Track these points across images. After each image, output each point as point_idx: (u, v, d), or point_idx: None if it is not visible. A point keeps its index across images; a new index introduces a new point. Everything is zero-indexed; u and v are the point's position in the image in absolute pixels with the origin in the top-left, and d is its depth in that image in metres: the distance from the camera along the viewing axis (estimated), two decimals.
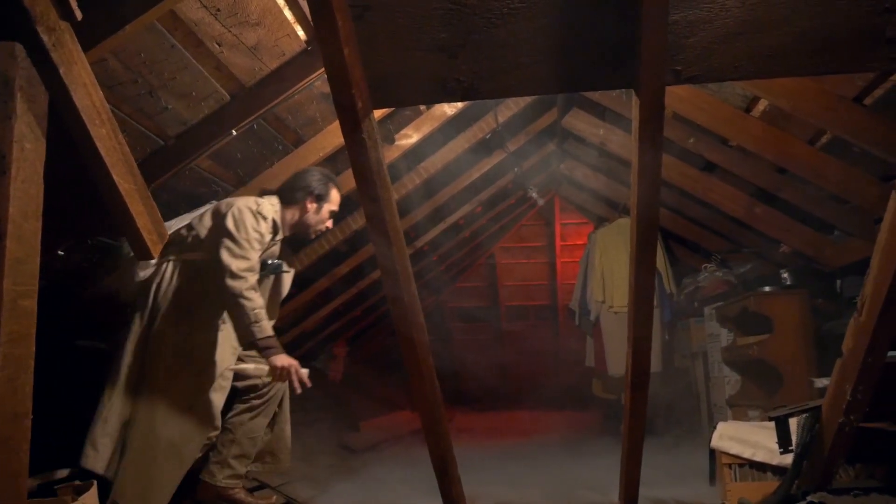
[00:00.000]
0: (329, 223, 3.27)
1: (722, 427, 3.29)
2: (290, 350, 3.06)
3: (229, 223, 2.83)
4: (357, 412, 6.87)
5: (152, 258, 2.09)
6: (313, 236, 3.32)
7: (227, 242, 2.79)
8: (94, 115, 1.74)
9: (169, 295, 2.87)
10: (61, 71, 1.62)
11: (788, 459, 2.64)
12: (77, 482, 2.13)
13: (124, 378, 2.76)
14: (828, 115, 3.11)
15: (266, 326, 2.82)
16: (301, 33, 2.65)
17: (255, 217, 2.95)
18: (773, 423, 2.69)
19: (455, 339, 9.73)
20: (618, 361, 5.81)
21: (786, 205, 4.27)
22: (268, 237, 3.01)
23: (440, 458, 2.46)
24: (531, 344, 9.24)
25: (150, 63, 2.34)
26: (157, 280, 2.91)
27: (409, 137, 3.91)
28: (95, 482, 2.12)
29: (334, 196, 3.23)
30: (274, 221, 3.05)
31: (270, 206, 3.07)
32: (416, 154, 4.26)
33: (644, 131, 1.74)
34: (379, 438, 6.36)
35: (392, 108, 3.48)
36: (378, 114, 3.45)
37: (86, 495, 2.04)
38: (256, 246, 2.90)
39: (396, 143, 3.87)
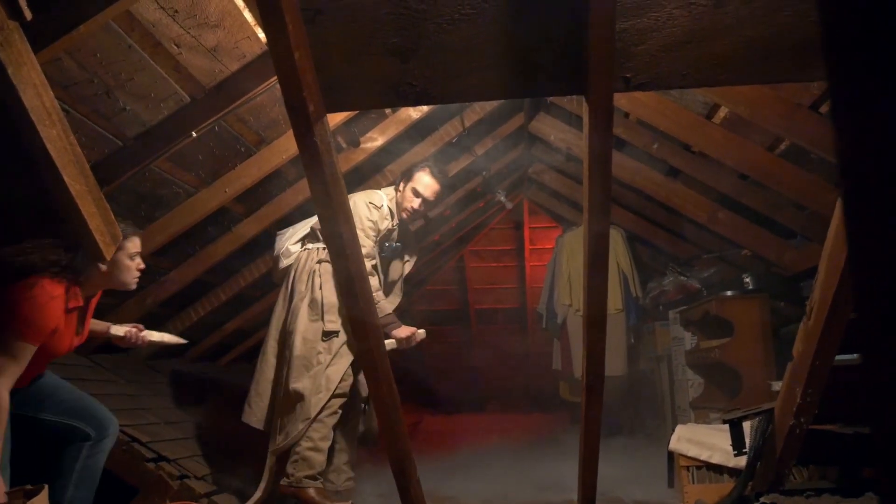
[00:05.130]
0: (415, 202, 3.59)
1: (680, 430, 3.33)
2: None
3: None
4: None
5: (105, 260, 2.07)
6: (405, 216, 3.64)
7: None
8: (43, 115, 1.73)
9: (303, 277, 3.40)
10: (9, 71, 1.61)
11: (744, 461, 2.68)
12: (28, 486, 2.10)
13: (270, 349, 3.42)
14: (785, 122, 3.17)
15: (384, 307, 3.37)
16: (262, 36, 2.63)
17: (368, 207, 3.44)
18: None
19: (424, 342, 9.69)
20: None
21: (747, 210, 4.33)
22: (383, 224, 3.51)
23: (398, 459, 2.46)
24: (500, 347, 9.23)
25: (107, 63, 2.32)
26: (295, 266, 3.47)
27: (375, 140, 3.91)
28: (46, 486, 2.08)
29: (418, 176, 3.59)
30: (389, 209, 3.56)
31: (384, 195, 3.58)
32: (382, 157, 4.26)
33: (594, 136, 1.76)
34: None
35: (355, 112, 3.47)
36: (342, 117, 3.44)
37: (36, 499, 2.01)
38: (371, 234, 3.41)
39: (362, 146, 3.86)
